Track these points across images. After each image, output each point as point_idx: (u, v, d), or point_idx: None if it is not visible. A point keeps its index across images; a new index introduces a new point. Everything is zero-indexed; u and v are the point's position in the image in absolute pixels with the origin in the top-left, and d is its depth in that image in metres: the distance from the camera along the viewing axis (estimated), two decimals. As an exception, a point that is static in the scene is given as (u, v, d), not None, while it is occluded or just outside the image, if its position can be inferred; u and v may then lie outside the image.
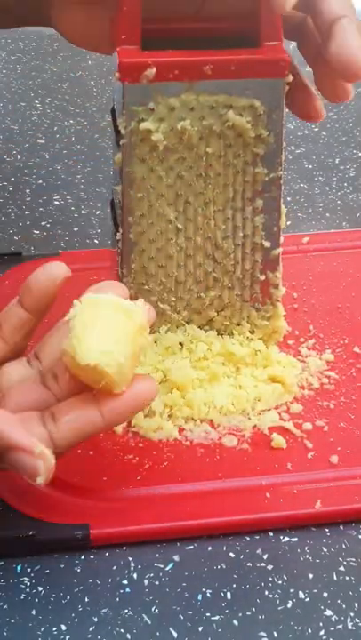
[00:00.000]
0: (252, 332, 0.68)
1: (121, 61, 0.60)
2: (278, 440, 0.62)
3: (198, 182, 0.63)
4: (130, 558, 0.55)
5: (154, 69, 0.59)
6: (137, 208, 0.63)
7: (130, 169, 0.62)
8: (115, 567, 0.55)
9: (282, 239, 0.66)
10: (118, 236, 0.65)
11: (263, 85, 0.61)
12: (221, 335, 0.67)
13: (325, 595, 0.53)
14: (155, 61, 0.59)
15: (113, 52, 0.60)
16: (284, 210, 0.65)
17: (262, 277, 0.66)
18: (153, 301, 0.66)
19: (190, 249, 0.65)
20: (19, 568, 0.55)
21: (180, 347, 0.66)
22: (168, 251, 0.65)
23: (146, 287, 0.65)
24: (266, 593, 0.53)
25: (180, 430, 0.63)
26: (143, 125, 0.60)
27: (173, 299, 0.66)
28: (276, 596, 0.53)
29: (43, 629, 0.52)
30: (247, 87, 0.61)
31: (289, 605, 0.53)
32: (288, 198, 0.90)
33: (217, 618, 0.52)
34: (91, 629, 0.52)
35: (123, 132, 0.61)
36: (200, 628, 0.52)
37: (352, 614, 0.52)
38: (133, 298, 0.64)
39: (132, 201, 0.63)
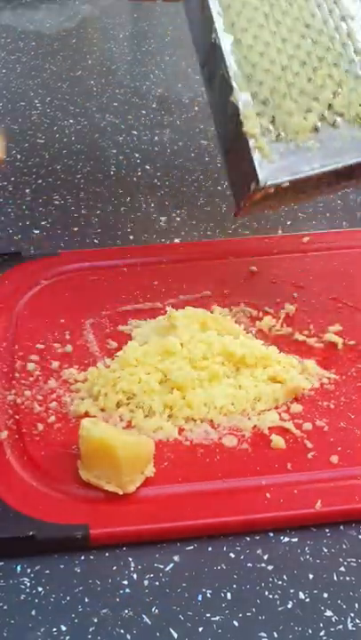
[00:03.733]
0: None
1: None
2: (278, 440, 0.62)
3: None
4: (130, 558, 0.55)
5: None
6: None
7: None
8: (115, 567, 0.55)
9: None
10: (214, 37, 0.67)
11: None
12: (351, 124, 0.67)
13: (326, 595, 0.53)
14: None
15: None
16: None
17: None
18: (265, 93, 0.66)
19: (284, 31, 0.66)
20: (19, 568, 0.55)
21: (180, 347, 0.67)
22: (263, 37, 0.66)
23: (253, 79, 0.66)
24: (266, 593, 0.53)
25: (180, 430, 0.63)
26: None
27: (284, 84, 0.66)
28: (277, 596, 0.53)
29: (43, 630, 0.52)
30: None
31: (289, 606, 0.53)
32: (288, 198, 0.90)
33: (217, 618, 0.52)
34: (91, 630, 0.52)
35: None
36: (200, 629, 0.51)
37: (352, 615, 0.52)
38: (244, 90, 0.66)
39: None
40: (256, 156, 0.66)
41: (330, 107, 0.67)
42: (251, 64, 0.66)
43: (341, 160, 0.67)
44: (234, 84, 0.67)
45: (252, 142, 0.66)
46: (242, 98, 0.66)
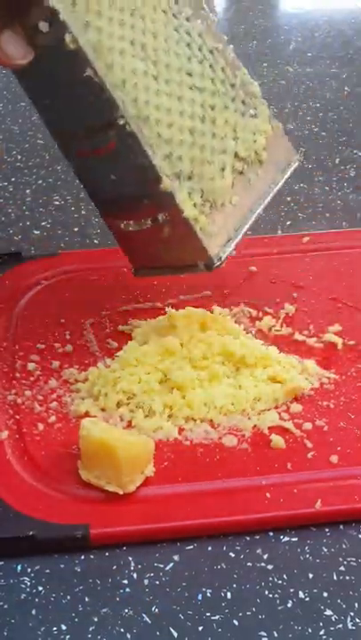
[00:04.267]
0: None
1: None
2: (278, 440, 0.62)
3: (135, 19, 0.61)
4: (130, 558, 0.55)
5: None
6: (98, 58, 0.60)
7: (79, 38, 0.59)
8: (115, 567, 0.55)
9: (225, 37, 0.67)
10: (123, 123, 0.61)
11: None
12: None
13: (325, 595, 0.53)
14: None
15: None
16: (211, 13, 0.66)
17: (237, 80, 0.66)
18: (187, 167, 0.63)
19: (176, 89, 0.63)
20: (19, 568, 0.55)
21: (180, 347, 0.67)
22: (164, 104, 0.62)
23: (173, 157, 0.62)
24: (266, 593, 0.53)
25: (180, 430, 0.63)
26: None
27: (198, 150, 0.63)
28: (276, 595, 0.53)
29: (43, 629, 0.52)
30: None
31: (289, 605, 0.53)
32: (288, 198, 0.90)
33: (217, 617, 0.52)
34: (91, 629, 0.52)
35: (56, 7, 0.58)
36: (200, 628, 0.52)
37: (352, 614, 0.52)
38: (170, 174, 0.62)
39: (92, 58, 0.59)
40: (202, 237, 0.64)
41: (236, 155, 0.66)
42: (165, 141, 0.62)
43: (259, 203, 0.68)
44: (162, 176, 0.61)
45: (195, 225, 0.64)
46: (173, 186, 0.62)
